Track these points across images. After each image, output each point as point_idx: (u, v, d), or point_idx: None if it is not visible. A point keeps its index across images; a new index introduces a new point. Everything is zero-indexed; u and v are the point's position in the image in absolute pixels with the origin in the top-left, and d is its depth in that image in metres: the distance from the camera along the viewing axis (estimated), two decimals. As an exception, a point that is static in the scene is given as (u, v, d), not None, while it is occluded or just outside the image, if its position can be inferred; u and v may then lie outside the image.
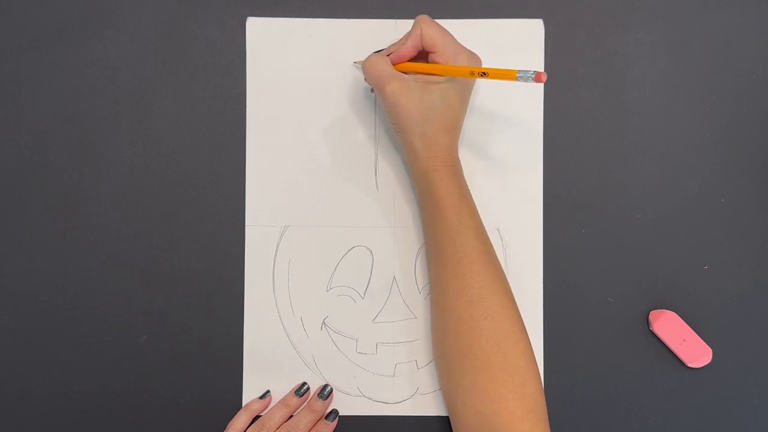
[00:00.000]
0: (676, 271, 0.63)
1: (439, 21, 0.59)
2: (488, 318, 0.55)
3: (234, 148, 0.64)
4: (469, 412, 0.55)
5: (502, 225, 0.63)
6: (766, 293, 0.63)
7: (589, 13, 0.64)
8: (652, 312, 0.63)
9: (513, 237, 0.63)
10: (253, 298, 0.63)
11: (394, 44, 0.60)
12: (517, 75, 0.51)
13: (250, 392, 0.63)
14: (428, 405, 0.63)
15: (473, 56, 0.58)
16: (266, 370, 0.63)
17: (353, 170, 0.64)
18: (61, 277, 0.63)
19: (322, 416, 0.62)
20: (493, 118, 0.64)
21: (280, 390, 0.63)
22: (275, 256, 0.63)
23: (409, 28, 0.59)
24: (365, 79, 0.59)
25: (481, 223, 0.58)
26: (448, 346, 0.57)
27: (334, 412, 0.62)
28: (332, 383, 0.63)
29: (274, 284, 0.63)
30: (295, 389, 0.62)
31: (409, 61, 0.58)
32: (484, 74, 0.54)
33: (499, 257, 0.58)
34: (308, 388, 0.62)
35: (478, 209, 0.59)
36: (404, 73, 0.58)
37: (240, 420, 0.61)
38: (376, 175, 0.64)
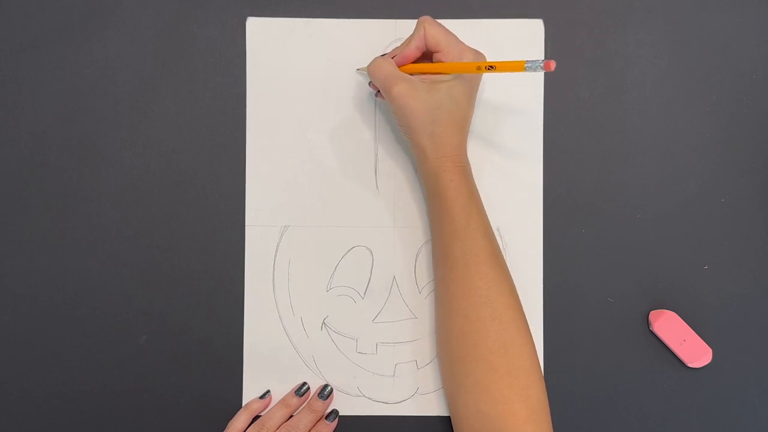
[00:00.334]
0: (676, 271, 0.63)
1: (439, 21, 0.59)
2: (495, 319, 0.55)
3: (234, 148, 0.64)
4: (472, 412, 0.55)
5: (502, 225, 0.63)
6: (766, 293, 0.63)
7: (589, 13, 0.64)
8: (652, 312, 0.63)
9: (513, 237, 0.63)
10: (253, 298, 0.63)
11: (398, 47, 0.60)
12: (526, 65, 0.51)
13: (250, 392, 0.63)
14: (428, 405, 0.63)
15: (478, 54, 0.58)
16: (266, 370, 0.63)
17: (353, 170, 0.64)
18: (61, 277, 0.63)
19: (322, 416, 0.62)
20: (493, 118, 0.64)
21: (280, 390, 0.63)
22: (275, 256, 0.63)
23: (410, 28, 0.59)
24: (369, 83, 0.59)
25: (489, 223, 0.58)
26: (453, 347, 0.57)
27: (334, 412, 0.62)
28: (332, 383, 0.63)
29: (274, 284, 0.63)
30: (295, 389, 0.62)
31: (414, 62, 0.58)
32: (491, 68, 0.53)
33: (499, 257, 0.59)
34: (308, 388, 0.62)
35: (479, 209, 0.59)
36: (410, 74, 0.58)
37: (240, 420, 0.61)
38: (376, 175, 0.64)
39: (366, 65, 0.60)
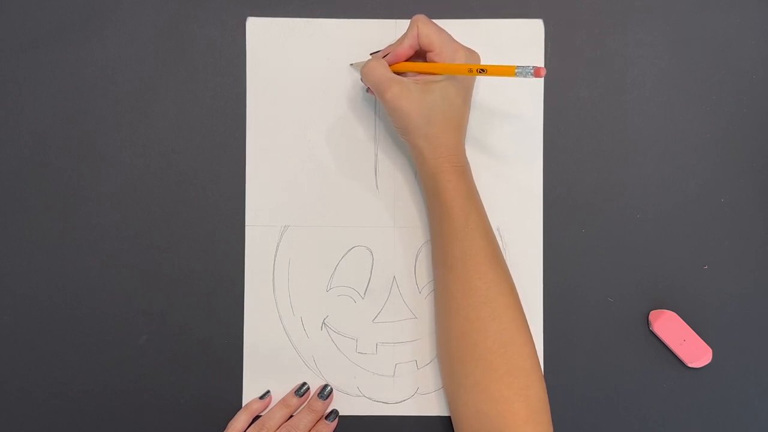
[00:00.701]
0: (676, 271, 0.63)
1: (439, 21, 0.59)
2: (495, 320, 0.55)
3: (234, 148, 0.64)
4: (472, 412, 0.55)
5: (502, 225, 0.63)
6: (766, 293, 0.63)
7: (589, 13, 0.64)
8: (652, 312, 0.63)
9: (513, 237, 0.63)
10: (253, 298, 0.63)
11: (392, 45, 0.60)
12: (516, 71, 0.51)
13: (250, 392, 0.63)
14: (428, 405, 0.63)
15: (471, 53, 0.58)
16: (266, 370, 0.63)
17: (353, 170, 0.64)
18: (61, 277, 0.63)
19: (322, 416, 0.62)
20: (493, 119, 0.64)
21: (280, 390, 0.63)
22: (275, 256, 0.63)
23: (409, 28, 0.59)
24: (361, 79, 0.59)
25: (489, 223, 0.58)
26: (453, 347, 0.57)
27: (334, 412, 0.62)
28: (332, 383, 0.63)
29: (274, 284, 0.63)
30: (295, 389, 0.62)
31: (406, 60, 0.58)
32: (482, 71, 0.54)
33: (499, 257, 0.59)
34: (308, 388, 0.62)
35: (479, 209, 0.59)
36: (402, 73, 0.58)
37: (240, 420, 0.61)
38: (376, 175, 0.64)
39: (360, 60, 0.59)
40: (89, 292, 0.63)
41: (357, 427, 0.63)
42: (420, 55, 0.59)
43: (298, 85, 0.64)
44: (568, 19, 0.64)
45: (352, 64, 0.63)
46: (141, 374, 0.63)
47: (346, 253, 0.63)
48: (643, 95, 0.64)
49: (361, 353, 0.63)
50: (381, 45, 0.62)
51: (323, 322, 0.63)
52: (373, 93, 0.59)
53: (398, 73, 0.58)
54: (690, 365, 0.62)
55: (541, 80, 0.64)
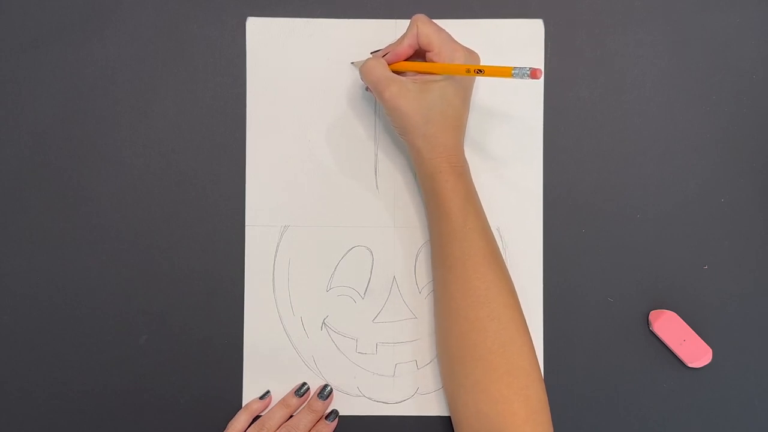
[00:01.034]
0: (676, 271, 0.63)
1: (438, 21, 0.59)
2: (494, 319, 0.55)
3: (234, 148, 0.64)
4: (472, 412, 0.55)
5: (502, 225, 0.63)
6: (766, 293, 0.63)
7: (589, 13, 0.64)
8: (652, 312, 0.63)
9: (513, 237, 0.63)
10: (253, 298, 0.63)
11: (391, 44, 0.60)
12: (513, 72, 0.51)
13: (250, 392, 0.63)
14: (428, 405, 0.63)
15: (470, 54, 0.58)
16: (266, 370, 0.63)
17: (353, 170, 0.64)
18: (61, 277, 0.63)
19: (322, 416, 0.62)
20: (492, 118, 0.64)
21: (280, 390, 0.63)
22: (275, 256, 0.63)
23: (409, 28, 0.59)
24: (361, 78, 0.59)
25: (488, 223, 0.58)
26: (452, 347, 0.57)
27: (334, 412, 0.62)
28: (332, 383, 0.63)
29: (274, 284, 0.63)
30: (295, 389, 0.62)
31: (406, 60, 0.58)
32: (480, 71, 0.54)
33: (499, 257, 0.59)
34: (308, 388, 0.62)
35: (479, 209, 0.59)
36: (402, 72, 0.58)
37: (240, 420, 0.61)
38: (376, 175, 0.64)
39: (360, 59, 0.59)
40: (89, 292, 0.63)
41: (357, 427, 0.63)
42: (420, 54, 0.59)
43: (298, 85, 0.64)
44: (568, 19, 0.64)
45: (353, 63, 0.63)
46: (141, 374, 0.63)
47: (346, 253, 0.63)
48: (643, 95, 0.64)
49: (361, 353, 0.63)
50: (381, 45, 0.62)
51: (323, 322, 0.63)
52: (371, 91, 0.60)
53: (397, 73, 0.58)
54: (690, 365, 0.62)
55: (542, 80, 0.64)
